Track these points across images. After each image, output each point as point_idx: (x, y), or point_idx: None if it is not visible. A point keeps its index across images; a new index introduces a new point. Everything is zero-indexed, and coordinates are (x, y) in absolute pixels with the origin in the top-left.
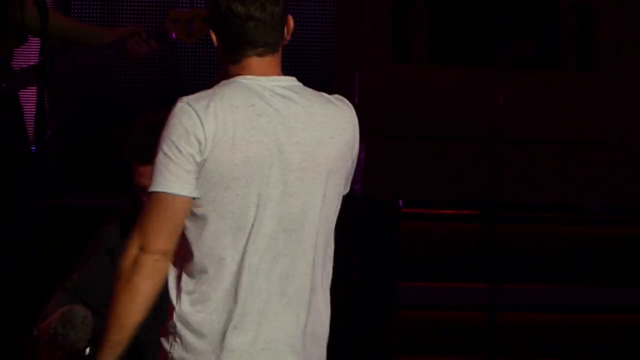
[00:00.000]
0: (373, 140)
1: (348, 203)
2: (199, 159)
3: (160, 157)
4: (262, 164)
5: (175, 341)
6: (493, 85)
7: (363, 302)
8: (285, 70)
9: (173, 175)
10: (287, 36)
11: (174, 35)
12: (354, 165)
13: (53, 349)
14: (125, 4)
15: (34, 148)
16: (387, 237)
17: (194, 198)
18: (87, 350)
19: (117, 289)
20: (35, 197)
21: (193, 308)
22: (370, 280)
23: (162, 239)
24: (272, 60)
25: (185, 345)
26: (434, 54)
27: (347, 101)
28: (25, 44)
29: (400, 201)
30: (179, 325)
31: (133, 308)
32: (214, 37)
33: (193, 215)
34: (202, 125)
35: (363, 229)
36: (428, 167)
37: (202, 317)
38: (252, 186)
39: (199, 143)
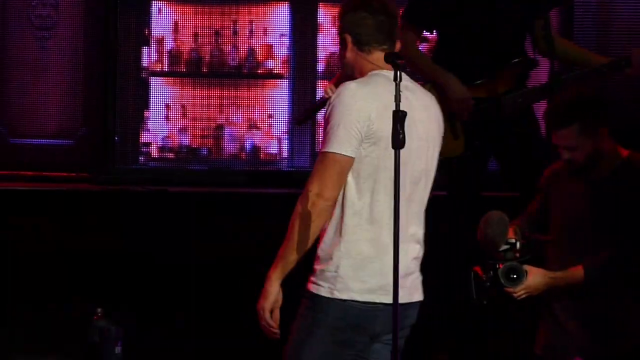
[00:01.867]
0: None
1: None
2: (364, 129)
3: (334, 125)
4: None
5: (339, 262)
6: None
7: None
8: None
9: (344, 140)
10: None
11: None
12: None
13: (485, 248)
14: (616, 36)
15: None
16: None
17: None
18: (506, 246)
19: (296, 224)
20: None
21: (354, 237)
22: None
23: (332, 188)
24: None
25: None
26: None
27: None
28: (537, 67)
29: None
30: (343, 250)
31: (307, 238)
32: (348, 38)
33: (354, 171)
34: (367, 103)
35: None
36: None
37: (360, 245)
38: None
39: (365, 116)
